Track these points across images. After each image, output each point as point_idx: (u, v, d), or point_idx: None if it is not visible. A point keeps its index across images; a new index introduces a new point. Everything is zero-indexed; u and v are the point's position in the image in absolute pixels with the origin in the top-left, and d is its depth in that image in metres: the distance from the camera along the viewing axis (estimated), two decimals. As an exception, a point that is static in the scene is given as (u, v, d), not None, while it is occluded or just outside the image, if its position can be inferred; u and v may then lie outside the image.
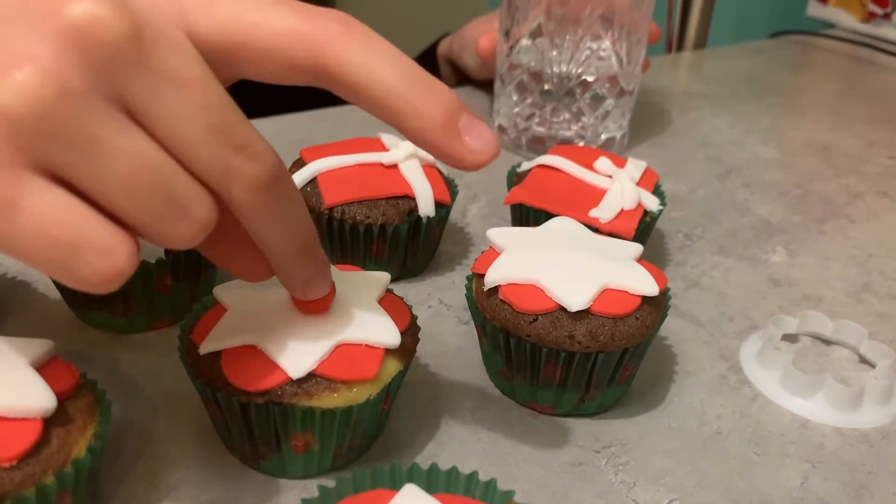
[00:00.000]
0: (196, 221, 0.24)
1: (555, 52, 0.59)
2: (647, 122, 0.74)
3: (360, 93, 0.26)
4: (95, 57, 0.22)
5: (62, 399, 0.28)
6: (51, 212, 0.22)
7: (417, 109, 0.26)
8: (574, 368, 0.35)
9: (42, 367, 0.29)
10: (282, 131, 0.65)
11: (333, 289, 0.31)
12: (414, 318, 0.34)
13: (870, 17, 1.06)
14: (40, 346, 0.29)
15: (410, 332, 0.33)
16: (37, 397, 0.27)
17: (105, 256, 0.22)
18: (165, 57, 0.23)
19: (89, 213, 0.22)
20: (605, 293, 0.35)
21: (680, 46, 1.03)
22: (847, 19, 1.09)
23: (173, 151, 0.23)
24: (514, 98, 0.63)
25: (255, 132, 0.25)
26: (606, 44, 0.59)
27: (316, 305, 0.31)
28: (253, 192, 0.25)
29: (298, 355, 0.30)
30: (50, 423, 0.27)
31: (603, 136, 0.63)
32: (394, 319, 0.32)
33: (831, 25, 1.11)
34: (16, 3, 0.22)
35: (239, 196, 0.25)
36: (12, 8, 0.22)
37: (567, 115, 0.61)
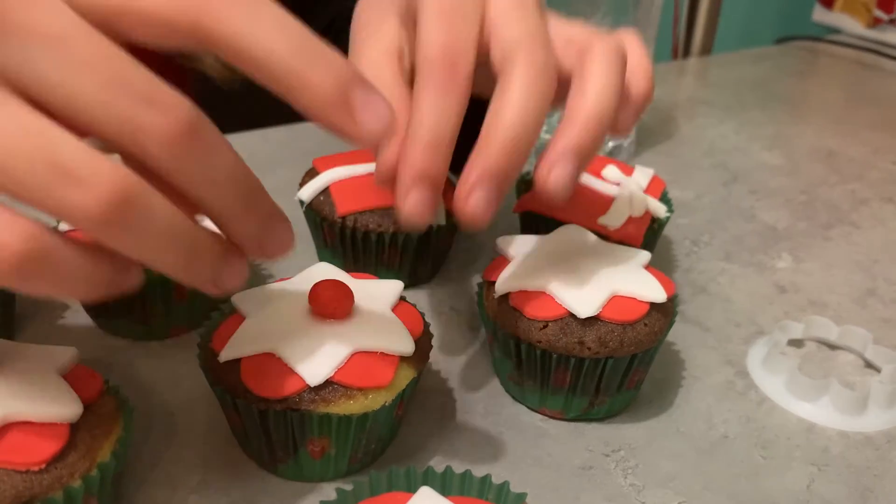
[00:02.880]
0: (94, 188, 0.21)
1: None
2: (653, 128, 0.75)
3: (243, 60, 0.24)
4: None
5: (88, 405, 0.29)
6: None
7: (304, 81, 0.24)
8: (584, 374, 0.36)
9: (68, 374, 0.29)
10: (294, 140, 0.66)
11: (352, 297, 0.32)
12: (427, 326, 0.35)
13: (875, 23, 1.07)
14: (65, 354, 0.30)
15: (424, 339, 0.34)
16: (64, 404, 0.27)
17: None
18: (29, 14, 0.21)
19: None
20: (614, 300, 0.35)
21: (686, 53, 1.04)
22: (852, 25, 1.09)
23: (69, 117, 0.22)
24: (522, 106, 0.63)
25: (160, 81, 0.22)
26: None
27: (336, 312, 0.32)
28: (170, 147, 0.22)
29: (316, 363, 0.30)
30: (76, 428, 0.28)
31: (610, 144, 0.64)
32: (408, 327, 0.33)
33: (837, 31, 1.11)
34: None
35: (155, 152, 0.22)
36: None
37: (574, 123, 0.62)
